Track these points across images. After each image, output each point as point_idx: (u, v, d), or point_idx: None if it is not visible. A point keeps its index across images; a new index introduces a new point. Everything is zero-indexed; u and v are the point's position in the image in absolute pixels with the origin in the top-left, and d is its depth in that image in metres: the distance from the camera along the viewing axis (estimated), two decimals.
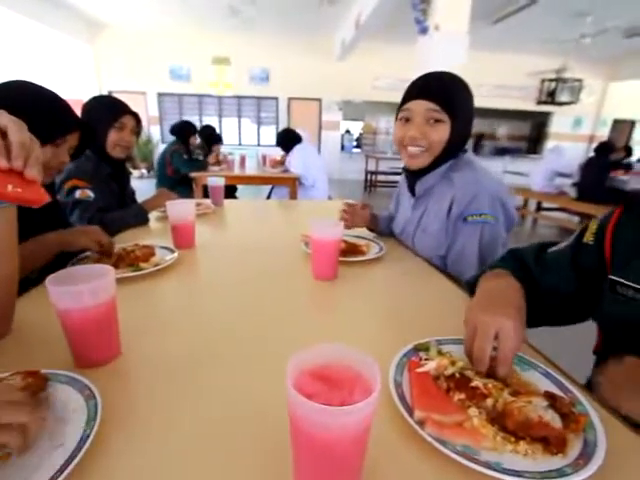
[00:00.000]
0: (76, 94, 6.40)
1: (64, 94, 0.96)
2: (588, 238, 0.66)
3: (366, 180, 8.49)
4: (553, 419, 0.43)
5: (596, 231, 0.65)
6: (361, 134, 10.40)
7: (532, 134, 10.77)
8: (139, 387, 0.52)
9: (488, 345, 0.49)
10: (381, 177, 8.39)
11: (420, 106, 0.96)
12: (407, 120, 1.00)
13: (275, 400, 0.46)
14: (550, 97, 9.21)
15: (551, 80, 9.11)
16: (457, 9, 3.63)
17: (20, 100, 0.87)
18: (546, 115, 9.94)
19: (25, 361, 0.56)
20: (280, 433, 0.39)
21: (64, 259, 0.94)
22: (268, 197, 3.95)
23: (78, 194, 1.31)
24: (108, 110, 1.44)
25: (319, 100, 9.07)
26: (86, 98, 1.48)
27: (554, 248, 0.71)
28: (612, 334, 0.66)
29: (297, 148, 3.54)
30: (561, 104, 9.27)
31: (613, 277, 0.59)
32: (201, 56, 8.07)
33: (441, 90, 0.95)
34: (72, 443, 0.39)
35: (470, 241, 0.98)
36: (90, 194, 1.33)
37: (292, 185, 3.49)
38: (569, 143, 8.98)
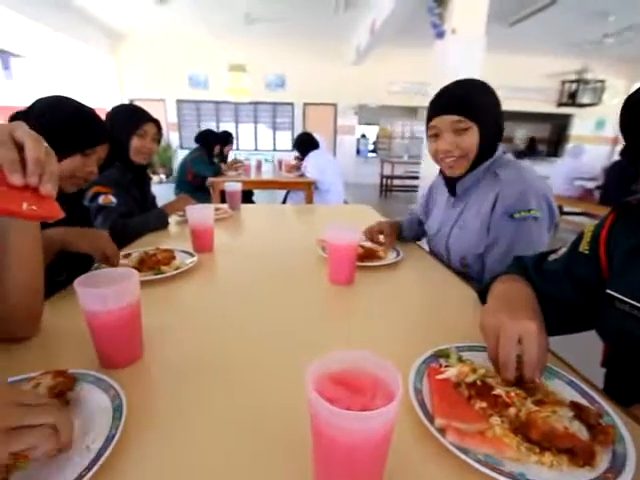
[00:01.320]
0: (99, 103, 6.62)
1: (89, 103, 1.01)
2: (584, 248, 0.64)
3: (381, 184, 8.46)
4: (580, 430, 0.42)
5: (591, 240, 0.64)
6: (377, 138, 10.38)
7: (552, 137, 10.53)
8: (161, 388, 0.53)
9: (513, 350, 0.48)
10: (397, 181, 8.34)
11: (444, 121, 0.99)
12: (437, 135, 1.03)
13: (294, 402, 0.47)
14: (571, 99, 9.00)
15: (572, 81, 8.91)
16: (474, 12, 3.61)
17: (54, 112, 0.93)
18: (567, 117, 9.70)
19: (53, 360, 0.58)
20: (300, 435, 0.40)
21: (89, 262, 0.97)
22: (284, 202, 3.97)
23: (101, 200, 1.35)
24: (130, 118, 1.48)
25: (334, 105, 9.11)
26: (109, 106, 1.54)
27: (553, 256, 0.70)
28: (616, 347, 0.64)
29: (313, 153, 3.56)
30: (582, 106, 9.03)
31: (610, 292, 0.57)
32: (218, 63, 8.22)
33: (460, 100, 0.98)
34: (98, 442, 0.40)
35: (518, 238, 0.95)
36: (113, 200, 1.37)
37: (308, 189, 3.51)
38: (591, 145, 8.71)
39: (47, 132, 0.92)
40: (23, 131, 0.47)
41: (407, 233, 1.33)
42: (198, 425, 0.46)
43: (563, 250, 0.69)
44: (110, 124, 1.45)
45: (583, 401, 0.48)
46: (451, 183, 1.11)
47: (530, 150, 10.15)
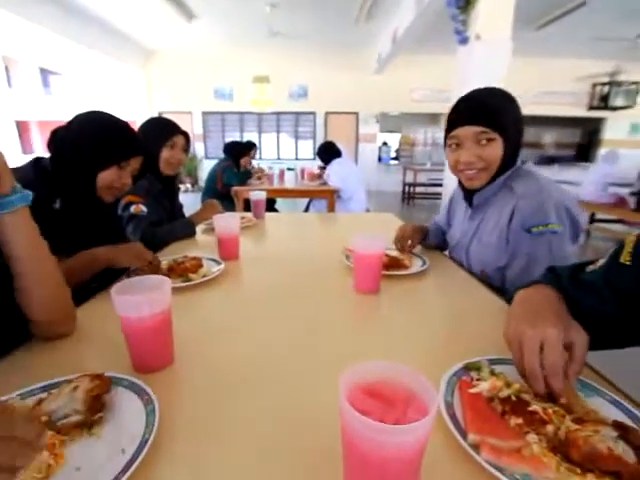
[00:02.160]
0: (131, 116, 6.94)
1: (121, 117, 1.05)
2: (625, 259, 0.60)
3: (404, 192, 8.38)
4: (625, 452, 0.40)
5: (633, 250, 0.60)
6: (399, 145, 10.32)
7: (583, 141, 10.15)
8: (191, 393, 0.54)
9: (537, 360, 0.46)
10: (419, 189, 8.25)
11: (467, 131, 0.95)
12: (457, 145, 1.00)
13: (322, 410, 0.47)
14: (603, 102, 8.67)
15: (604, 84, 8.59)
16: (499, 18, 3.54)
17: (92, 127, 0.98)
18: (599, 121, 9.34)
19: (87, 364, 0.60)
20: (330, 444, 0.39)
21: (119, 269, 1.01)
22: (306, 210, 4.00)
23: (133, 209, 1.41)
24: (161, 130, 1.54)
25: (356, 114, 9.15)
26: (139, 119, 1.61)
27: (591, 267, 0.66)
28: None
29: (335, 162, 3.58)
30: (615, 109, 8.69)
31: None
32: (243, 76, 8.46)
33: (485, 111, 0.94)
34: (133, 446, 0.41)
35: (538, 254, 0.92)
36: (143, 209, 1.42)
37: (330, 198, 3.52)
38: (626, 150, 8.33)
39: (86, 146, 0.97)
40: None
41: (432, 239, 1.31)
42: (227, 431, 0.46)
43: (602, 261, 0.66)
44: (142, 137, 1.51)
45: (628, 421, 0.45)
46: (469, 194, 1.09)
47: (582, 156, 9.78)
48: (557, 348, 0.46)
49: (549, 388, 0.46)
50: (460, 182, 1.10)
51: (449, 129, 1.01)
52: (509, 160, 0.99)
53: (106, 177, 0.98)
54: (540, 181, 0.97)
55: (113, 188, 1.01)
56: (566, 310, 0.55)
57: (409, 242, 1.20)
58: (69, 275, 0.84)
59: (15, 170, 0.92)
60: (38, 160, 0.96)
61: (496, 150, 0.95)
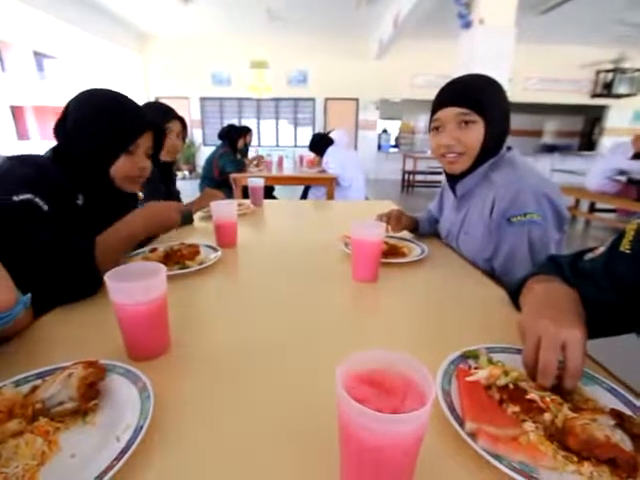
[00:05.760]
0: None
1: None
2: (625, 246, 0.60)
3: (403, 180, 8.33)
4: (622, 440, 0.40)
5: (633, 238, 0.59)
6: (399, 133, 10.22)
7: (585, 129, 10.06)
8: (187, 381, 0.54)
9: (556, 358, 0.46)
10: (419, 177, 8.20)
11: (449, 112, 0.96)
12: (439, 129, 1.00)
13: (319, 399, 0.46)
14: (606, 89, 8.57)
15: (608, 71, 8.47)
16: (503, 1, 3.47)
17: (85, 119, 0.88)
18: (601, 109, 9.23)
19: (82, 351, 0.60)
20: (328, 433, 0.39)
21: None
22: (304, 197, 3.98)
23: None
24: (155, 115, 1.50)
25: (356, 100, 9.03)
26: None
27: (590, 255, 0.66)
28: None
29: (331, 149, 3.55)
30: (619, 96, 8.59)
31: None
32: (241, 61, 8.29)
33: (467, 93, 0.95)
34: (127, 433, 0.41)
35: (518, 243, 0.93)
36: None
37: (329, 185, 3.50)
38: (629, 138, 8.25)
39: (85, 143, 0.87)
40: None
41: (427, 228, 1.31)
42: (224, 419, 0.46)
43: (601, 249, 0.66)
44: None
45: (625, 409, 0.45)
46: (452, 183, 1.08)
47: (584, 144, 9.71)
48: (582, 351, 0.46)
49: (559, 385, 0.46)
50: (445, 172, 1.09)
51: (433, 112, 1.01)
52: (492, 147, 0.98)
53: (119, 169, 0.90)
54: (518, 170, 0.96)
55: (132, 176, 0.94)
56: (584, 313, 0.54)
57: (389, 225, 1.19)
58: (110, 255, 0.82)
59: (34, 163, 0.83)
60: (57, 151, 0.89)
61: (476, 134, 0.95)
